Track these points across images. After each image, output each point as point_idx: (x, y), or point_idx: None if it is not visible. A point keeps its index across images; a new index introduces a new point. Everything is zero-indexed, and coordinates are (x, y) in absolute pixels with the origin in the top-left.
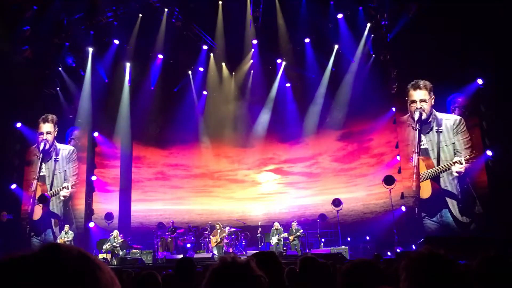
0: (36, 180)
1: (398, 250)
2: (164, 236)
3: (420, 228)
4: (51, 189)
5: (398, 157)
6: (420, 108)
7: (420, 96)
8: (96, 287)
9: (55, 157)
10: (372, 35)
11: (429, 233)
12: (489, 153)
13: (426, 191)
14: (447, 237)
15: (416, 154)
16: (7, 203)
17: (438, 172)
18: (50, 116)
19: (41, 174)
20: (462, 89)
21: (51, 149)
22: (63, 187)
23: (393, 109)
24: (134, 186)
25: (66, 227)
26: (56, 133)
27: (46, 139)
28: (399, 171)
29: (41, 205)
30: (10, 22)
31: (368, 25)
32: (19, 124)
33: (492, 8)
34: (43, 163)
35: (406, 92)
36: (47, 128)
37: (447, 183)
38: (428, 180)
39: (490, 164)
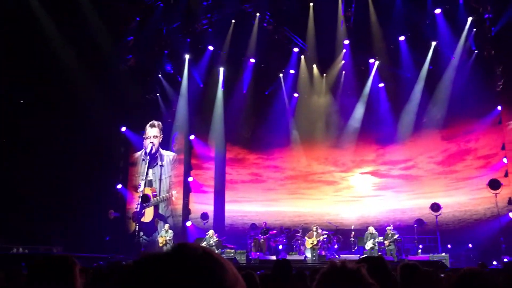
0: (144, 183)
1: (505, 260)
2: (257, 237)
3: None
4: (160, 194)
5: (504, 160)
6: None
7: None
8: (222, 283)
9: (160, 162)
10: (474, 29)
11: None
12: None
13: None
14: None
15: None
16: (114, 202)
17: None
18: (156, 122)
19: (148, 178)
20: None
21: (157, 154)
22: (172, 194)
23: (499, 107)
24: (228, 187)
25: (166, 226)
26: (161, 138)
27: (152, 142)
28: (506, 175)
29: (148, 206)
30: (117, 34)
31: (470, 19)
32: (123, 128)
33: None
34: (149, 168)
35: None
36: (154, 133)
37: None
38: None
39: None
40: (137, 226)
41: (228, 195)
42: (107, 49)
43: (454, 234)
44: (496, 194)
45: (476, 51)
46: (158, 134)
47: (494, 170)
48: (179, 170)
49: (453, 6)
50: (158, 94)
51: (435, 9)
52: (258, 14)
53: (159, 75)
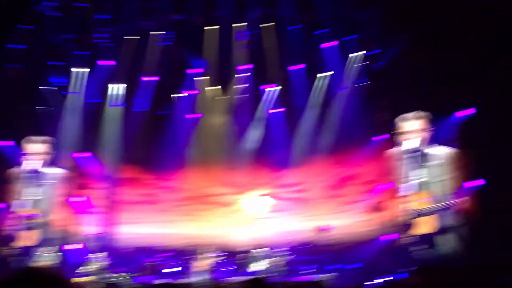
0: (26, 204)
1: (385, 279)
2: (148, 260)
3: (410, 256)
4: (44, 215)
5: (385, 185)
6: (417, 138)
7: (416, 126)
8: None
9: (45, 181)
10: (363, 63)
11: (420, 262)
12: (479, 182)
13: (426, 226)
14: (439, 266)
15: (406, 185)
16: None
17: (440, 208)
18: (39, 138)
19: (30, 198)
20: (455, 118)
21: (41, 172)
22: (54, 217)
23: (382, 138)
24: (119, 208)
25: (48, 249)
26: (49, 155)
27: (37, 160)
28: (386, 199)
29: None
30: (3, 41)
31: (359, 53)
32: (7, 143)
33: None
34: (31, 187)
35: (396, 122)
36: (36, 150)
37: (445, 218)
38: (430, 216)
39: (480, 192)
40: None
41: (119, 216)
42: None
43: (342, 255)
44: (378, 216)
45: (364, 83)
46: (41, 151)
47: (376, 194)
48: (65, 189)
49: (345, 40)
50: (47, 108)
51: (329, 41)
52: (158, 32)
53: (50, 88)
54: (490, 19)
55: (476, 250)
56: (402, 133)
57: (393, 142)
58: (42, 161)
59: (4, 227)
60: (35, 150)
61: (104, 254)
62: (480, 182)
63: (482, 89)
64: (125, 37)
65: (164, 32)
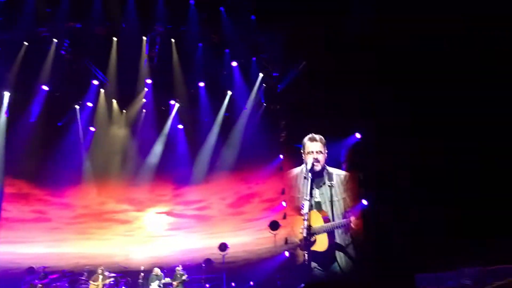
0: None
1: None
2: (33, 283)
3: (304, 274)
4: None
5: (284, 203)
6: (316, 159)
7: (316, 148)
8: None
9: None
10: (264, 84)
11: (312, 279)
12: (364, 202)
13: (321, 244)
14: (327, 283)
15: (308, 202)
16: None
17: (334, 227)
18: None
19: None
20: (345, 143)
21: None
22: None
23: (281, 156)
24: (3, 226)
25: None
26: None
27: None
28: (284, 217)
29: None
30: None
31: (261, 75)
32: None
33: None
34: None
35: (304, 143)
36: None
37: (338, 237)
38: (325, 234)
39: (365, 212)
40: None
41: (3, 235)
42: None
43: (239, 272)
44: (275, 234)
45: (265, 104)
46: None
47: (275, 212)
48: None
49: (247, 61)
50: None
51: (232, 61)
52: (55, 40)
53: None
54: (370, 54)
55: (362, 268)
56: (308, 153)
57: (292, 162)
58: None
59: None
60: None
61: None
62: (364, 203)
63: (367, 117)
64: (24, 43)
65: (60, 40)
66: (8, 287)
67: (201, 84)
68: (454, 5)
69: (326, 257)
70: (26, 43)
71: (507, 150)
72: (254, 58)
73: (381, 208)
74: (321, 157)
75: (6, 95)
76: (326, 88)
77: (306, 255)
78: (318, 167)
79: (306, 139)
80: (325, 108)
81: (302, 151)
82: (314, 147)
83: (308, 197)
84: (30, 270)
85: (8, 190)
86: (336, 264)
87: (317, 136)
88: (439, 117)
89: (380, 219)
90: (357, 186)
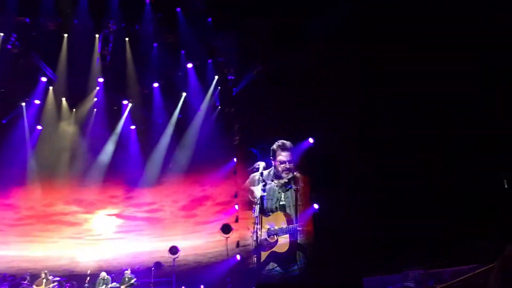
0: None
1: None
2: None
3: (256, 276)
4: None
5: (236, 206)
6: (288, 169)
7: (288, 157)
8: None
9: None
10: (219, 87)
11: (263, 281)
12: (315, 206)
13: (283, 245)
14: (277, 285)
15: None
16: None
17: (289, 229)
18: None
19: None
20: (298, 147)
21: None
22: None
23: (235, 159)
24: None
25: None
26: None
27: None
28: (237, 220)
29: None
30: None
31: (216, 77)
32: None
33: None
34: None
35: (275, 149)
36: None
37: (295, 238)
38: (287, 236)
39: (316, 216)
40: None
41: None
42: None
43: (189, 276)
44: (227, 237)
45: (220, 107)
46: None
47: (227, 215)
48: None
49: (202, 63)
50: None
51: (188, 63)
52: (1, 34)
53: None
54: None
55: (314, 270)
56: (282, 162)
57: (245, 165)
58: None
59: None
60: None
61: None
62: (315, 206)
63: (320, 121)
64: None
65: (7, 34)
66: None
67: (155, 84)
68: None
69: (286, 258)
70: None
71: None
72: (210, 61)
73: (331, 212)
74: (291, 166)
75: None
76: (281, 92)
77: (255, 258)
78: (289, 176)
79: (276, 147)
80: (279, 112)
81: (271, 156)
82: (286, 157)
83: (267, 200)
84: None
85: None
86: (295, 265)
87: (287, 143)
88: (391, 120)
89: (330, 223)
90: (310, 190)
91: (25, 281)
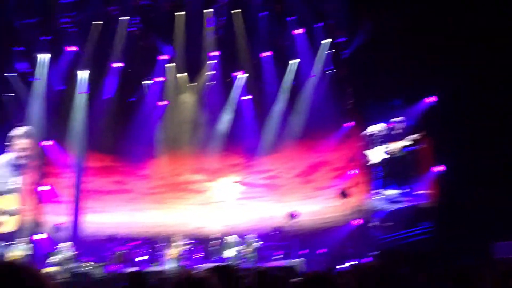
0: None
1: (351, 263)
2: (117, 249)
3: (374, 241)
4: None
5: (353, 171)
6: (404, 130)
7: (404, 119)
8: None
9: (15, 171)
10: (330, 51)
11: (384, 246)
12: (439, 168)
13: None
14: (400, 251)
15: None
16: None
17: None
18: (29, 131)
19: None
20: (416, 107)
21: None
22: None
23: (349, 124)
24: (86, 197)
25: (17, 241)
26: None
27: (25, 155)
28: (354, 185)
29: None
30: None
31: (326, 41)
32: None
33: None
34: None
35: (368, 108)
36: (26, 145)
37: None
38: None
39: (440, 178)
40: None
41: (87, 205)
42: None
43: (310, 240)
44: (345, 202)
45: (331, 71)
46: (30, 146)
47: (345, 180)
48: (31, 178)
49: (312, 28)
50: (9, 94)
51: (296, 29)
52: (124, 18)
53: (13, 74)
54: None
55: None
56: (392, 120)
57: (360, 129)
58: (20, 152)
59: None
60: (19, 142)
61: (71, 243)
62: (438, 168)
63: (438, 79)
64: (92, 22)
65: (129, 18)
66: (94, 252)
67: (267, 53)
68: None
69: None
70: (98, 22)
71: None
72: (319, 24)
73: (456, 174)
74: (409, 127)
75: (86, 73)
76: (395, 51)
77: (376, 223)
78: (408, 137)
79: (391, 108)
80: (394, 72)
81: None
82: (401, 118)
83: (377, 165)
84: (113, 237)
85: (90, 163)
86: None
87: (403, 104)
88: None
89: (455, 186)
90: (431, 152)
91: (161, 244)
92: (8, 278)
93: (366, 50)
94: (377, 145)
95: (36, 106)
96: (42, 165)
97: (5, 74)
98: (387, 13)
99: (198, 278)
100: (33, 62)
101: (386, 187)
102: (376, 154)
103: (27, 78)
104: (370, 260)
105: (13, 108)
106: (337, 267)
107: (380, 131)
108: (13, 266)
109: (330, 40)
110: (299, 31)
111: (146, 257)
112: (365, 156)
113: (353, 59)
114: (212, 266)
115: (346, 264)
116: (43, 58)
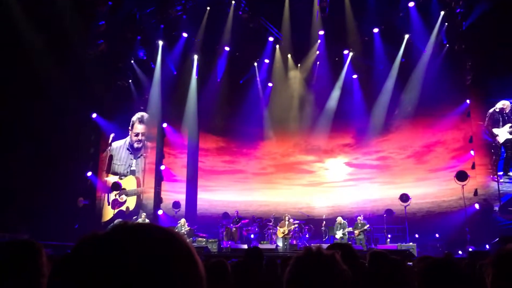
0: (127, 173)
1: (470, 249)
2: (229, 226)
3: (495, 227)
4: (142, 185)
5: (472, 152)
6: None
7: None
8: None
9: (144, 154)
10: (446, 23)
11: (504, 232)
12: None
13: None
14: None
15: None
16: (83, 189)
17: None
18: (145, 117)
19: (132, 168)
20: None
21: (141, 147)
22: (141, 190)
23: (468, 101)
24: (200, 176)
25: (143, 215)
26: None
27: (140, 140)
28: (473, 167)
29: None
30: (87, 17)
31: (442, 13)
32: (94, 115)
33: None
34: (134, 159)
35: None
36: (142, 129)
37: None
38: None
39: None
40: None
41: (200, 184)
42: (77, 33)
43: (422, 224)
44: (463, 185)
45: (448, 45)
46: (145, 131)
47: (462, 162)
48: (151, 158)
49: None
50: (130, 81)
51: (409, 2)
52: (233, 2)
53: (132, 61)
54: None
55: None
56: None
57: (480, 107)
58: (144, 138)
59: (101, 193)
60: (141, 130)
61: (184, 220)
62: None
63: None
64: (207, 8)
65: (234, 2)
66: (208, 228)
67: (376, 30)
68: None
69: None
70: (208, 8)
71: None
72: None
73: None
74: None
75: (195, 58)
76: None
77: (498, 208)
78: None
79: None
80: None
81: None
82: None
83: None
84: (225, 215)
85: (202, 144)
86: None
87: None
88: None
89: None
90: None
91: (270, 222)
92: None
93: (488, 20)
94: (501, 124)
95: (154, 91)
96: (161, 146)
97: (126, 62)
98: None
99: (325, 254)
100: (150, 49)
101: (510, 169)
102: (500, 134)
103: (145, 64)
104: (489, 248)
105: (133, 93)
106: (457, 252)
107: (504, 109)
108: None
109: (444, 12)
110: (411, 3)
111: (256, 234)
112: (486, 135)
113: (473, 30)
114: (332, 244)
115: (463, 251)
116: (160, 45)
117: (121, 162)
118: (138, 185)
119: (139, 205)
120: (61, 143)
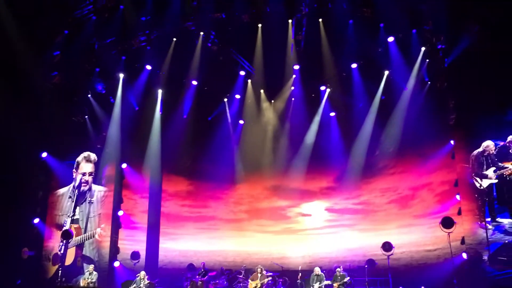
0: (70, 221)
1: None
2: (194, 279)
3: (485, 278)
4: (85, 233)
5: (457, 197)
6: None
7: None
8: None
9: (90, 199)
10: (427, 60)
11: (497, 284)
12: None
13: None
14: None
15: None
16: (29, 239)
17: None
18: (92, 156)
19: (75, 217)
20: None
21: (87, 190)
22: (95, 232)
23: (452, 142)
24: (163, 223)
25: (91, 267)
26: (94, 174)
27: (86, 181)
28: (459, 213)
29: (70, 245)
30: (40, 47)
31: (423, 49)
32: (44, 154)
33: None
34: (77, 206)
35: (474, 124)
36: (88, 169)
37: None
38: None
39: None
40: (60, 270)
41: (163, 232)
42: (29, 64)
43: (406, 275)
44: (449, 233)
45: (429, 83)
46: (93, 170)
47: (447, 207)
48: (108, 203)
49: (406, 35)
50: (86, 117)
51: (388, 37)
52: (202, 33)
53: (89, 95)
54: None
55: None
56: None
57: (465, 148)
58: (91, 181)
59: (48, 243)
60: (88, 169)
61: (144, 273)
62: None
63: None
64: (173, 39)
65: (207, 31)
66: (171, 282)
67: (354, 65)
68: None
69: None
70: (174, 39)
71: None
72: (414, 30)
73: None
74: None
75: (159, 92)
76: (507, 55)
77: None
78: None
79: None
80: (506, 80)
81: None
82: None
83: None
84: (191, 267)
85: (166, 187)
86: None
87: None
88: None
89: None
90: None
91: (240, 275)
92: None
93: (471, 57)
94: (487, 167)
95: (113, 128)
96: (119, 189)
97: (82, 96)
98: (495, 12)
99: None
100: (109, 82)
101: (497, 215)
102: (486, 177)
103: (104, 99)
104: None
105: (89, 130)
106: None
107: (490, 150)
108: None
109: (425, 47)
110: (391, 38)
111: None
112: (472, 179)
113: (456, 67)
114: None
115: None
116: (120, 77)
117: (62, 212)
118: (78, 234)
119: (82, 257)
120: (5, 185)
